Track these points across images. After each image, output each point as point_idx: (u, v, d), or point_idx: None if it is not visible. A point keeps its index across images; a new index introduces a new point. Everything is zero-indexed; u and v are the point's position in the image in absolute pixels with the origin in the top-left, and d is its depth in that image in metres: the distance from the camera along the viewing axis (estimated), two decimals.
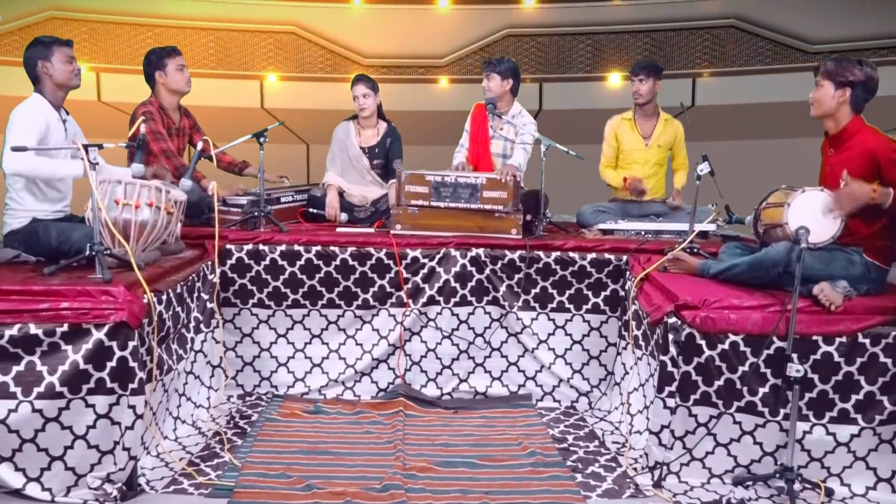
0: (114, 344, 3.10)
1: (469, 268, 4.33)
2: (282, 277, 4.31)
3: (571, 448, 3.74)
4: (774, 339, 3.28)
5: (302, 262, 4.31)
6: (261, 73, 7.44)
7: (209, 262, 4.18)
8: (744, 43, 7.27)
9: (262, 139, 4.48)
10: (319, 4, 7.42)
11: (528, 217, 4.55)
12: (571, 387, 4.38)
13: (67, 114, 3.84)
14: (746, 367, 3.31)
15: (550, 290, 4.36)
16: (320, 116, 6.73)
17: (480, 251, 4.33)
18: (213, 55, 7.33)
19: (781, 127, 6.70)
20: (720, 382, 3.34)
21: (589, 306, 4.36)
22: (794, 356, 3.14)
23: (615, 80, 7.40)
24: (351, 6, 7.49)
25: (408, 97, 7.11)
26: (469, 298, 4.35)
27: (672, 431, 3.39)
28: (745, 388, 3.32)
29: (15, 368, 3.02)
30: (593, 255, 4.33)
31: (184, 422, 3.83)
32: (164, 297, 3.47)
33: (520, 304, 4.36)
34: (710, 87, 7.38)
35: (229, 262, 4.29)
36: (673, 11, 7.37)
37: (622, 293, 4.28)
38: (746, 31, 7.30)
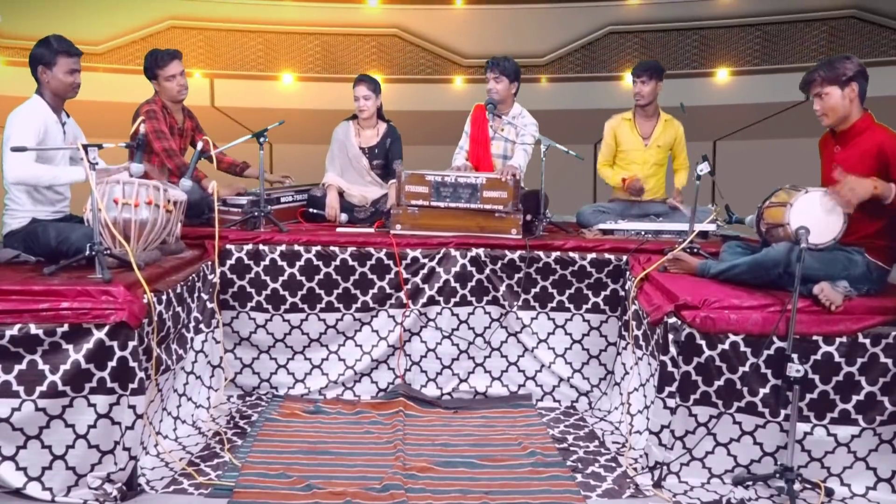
0: (114, 344, 3.10)
1: (469, 268, 4.33)
2: (281, 279, 4.31)
3: (571, 448, 3.74)
4: (774, 339, 3.28)
5: (301, 262, 4.31)
6: None
7: (209, 262, 4.18)
8: (864, 33, 6.97)
9: (262, 139, 4.48)
10: (421, 6, 7.43)
11: (528, 217, 4.55)
12: (571, 386, 4.38)
13: (68, 116, 3.84)
14: (747, 368, 3.31)
15: (550, 290, 4.36)
16: (422, 118, 6.80)
17: (480, 251, 4.33)
18: (319, 59, 7.40)
19: None
20: (720, 382, 3.34)
21: (589, 306, 4.36)
22: (795, 356, 3.14)
23: (723, 75, 7.21)
24: (452, 7, 7.50)
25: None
26: (469, 298, 4.35)
27: (672, 431, 3.39)
28: (745, 389, 3.32)
29: (17, 367, 3.03)
30: (593, 255, 4.33)
31: (184, 422, 3.83)
32: (164, 297, 3.47)
33: (520, 303, 4.36)
34: None
35: (229, 262, 4.29)
36: (786, 3, 7.14)
37: (622, 293, 4.28)
38: (868, 21, 7.00)
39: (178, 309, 3.69)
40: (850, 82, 3.41)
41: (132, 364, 3.13)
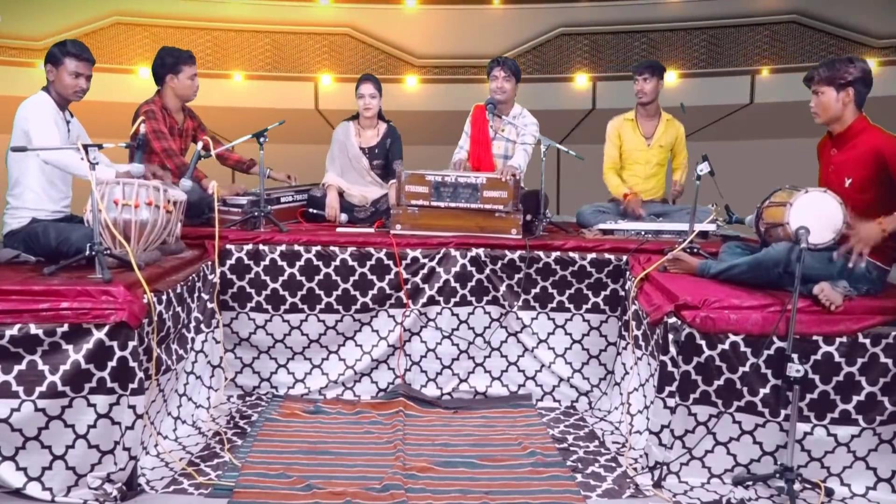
0: (114, 344, 3.10)
1: (469, 268, 4.33)
2: (281, 279, 4.31)
3: (571, 448, 3.74)
4: (774, 339, 3.28)
5: (301, 262, 4.31)
6: (315, 75, 7.46)
7: (209, 262, 4.18)
8: (805, 38, 7.13)
9: (262, 139, 4.48)
10: (373, 6, 7.42)
11: (528, 217, 4.55)
12: (571, 386, 4.38)
13: (72, 115, 3.85)
14: (747, 368, 3.31)
15: (550, 290, 4.36)
16: None
17: (480, 251, 4.33)
18: (268, 58, 7.37)
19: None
20: (720, 382, 3.34)
21: (589, 306, 4.36)
22: (795, 356, 3.14)
23: (671, 78, 7.27)
24: (403, 7, 7.50)
25: (461, 97, 7.06)
26: (469, 298, 4.35)
27: (672, 431, 3.39)
28: (745, 388, 3.32)
29: (17, 368, 3.03)
30: (593, 255, 4.33)
31: (184, 422, 3.84)
32: (164, 297, 3.48)
33: (520, 303, 4.36)
34: (769, 84, 7.28)
35: (229, 262, 4.29)
36: (731, 7, 7.25)
37: (622, 293, 4.28)
38: (808, 27, 7.14)
39: (179, 309, 3.69)
40: (847, 86, 3.43)
41: (132, 364, 3.12)
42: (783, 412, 3.30)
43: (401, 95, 7.22)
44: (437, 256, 4.33)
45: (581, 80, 7.37)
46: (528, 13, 7.42)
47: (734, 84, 7.18)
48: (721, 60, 7.28)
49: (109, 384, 3.11)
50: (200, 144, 4.20)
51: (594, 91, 7.45)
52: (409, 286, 4.33)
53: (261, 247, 4.31)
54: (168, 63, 4.60)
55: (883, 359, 3.29)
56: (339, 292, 4.33)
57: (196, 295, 3.99)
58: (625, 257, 4.28)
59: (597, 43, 7.43)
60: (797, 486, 3.18)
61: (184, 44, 6.95)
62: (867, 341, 3.29)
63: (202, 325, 4.06)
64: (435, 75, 7.42)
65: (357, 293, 4.34)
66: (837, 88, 3.44)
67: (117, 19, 7.03)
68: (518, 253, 4.32)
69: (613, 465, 3.57)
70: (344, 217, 4.78)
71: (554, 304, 4.37)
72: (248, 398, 4.33)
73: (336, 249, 4.32)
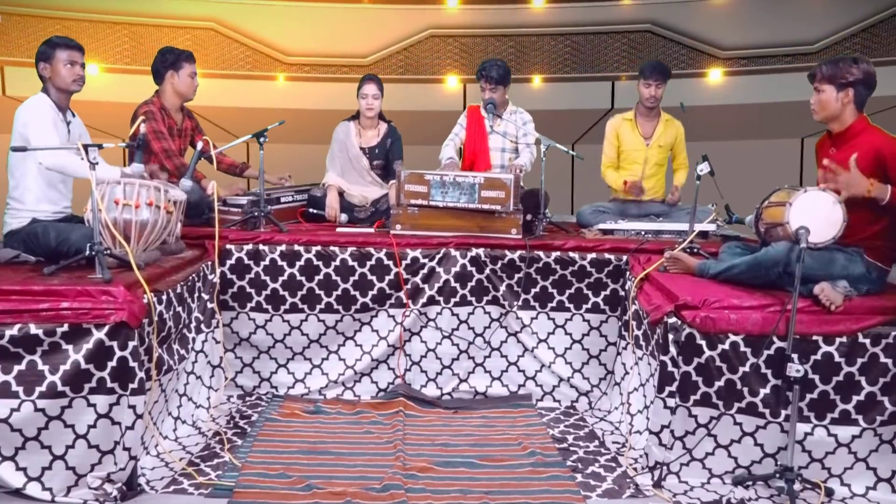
0: (114, 344, 3.10)
1: (469, 268, 4.33)
2: (281, 279, 4.31)
3: (571, 448, 3.74)
4: (774, 339, 3.28)
5: (301, 262, 4.31)
6: None
7: (209, 262, 4.18)
8: (660, 47, 7.32)
9: (261, 139, 4.48)
10: (239, 0, 7.27)
11: (528, 217, 4.55)
12: (571, 386, 4.38)
13: (73, 115, 3.85)
14: (747, 368, 3.31)
15: (550, 290, 4.36)
16: (242, 114, 6.69)
17: (480, 251, 4.33)
18: (127, 51, 7.16)
19: (713, 130, 6.73)
20: (720, 383, 3.33)
21: (589, 306, 4.36)
22: (795, 356, 3.14)
23: (538, 81, 7.44)
24: (272, 2, 7.34)
25: (333, 96, 7.04)
26: (469, 298, 4.35)
27: (672, 432, 3.39)
28: (745, 389, 3.32)
29: (16, 368, 3.02)
30: (593, 255, 4.33)
31: (184, 422, 3.83)
32: (165, 297, 3.47)
33: (520, 303, 4.36)
34: (629, 91, 7.42)
35: (229, 262, 4.29)
36: (592, 15, 7.40)
37: (622, 293, 4.28)
38: (662, 36, 7.36)
39: (179, 309, 3.69)
40: (847, 87, 3.43)
41: (132, 364, 3.12)
42: (783, 412, 3.30)
43: (271, 92, 7.11)
44: (437, 256, 4.33)
45: (452, 82, 7.42)
46: (399, 14, 7.40)
47: (596, 90, 7.32)
48: (584, 66, 7.39)
49: (109, 384, 3.11)
50: (200, 145, 4.20)
51: (465, 93, 7.47)
52: (409, 286, 4.33)
53: (261, 247, 4.31)
54: (170, 60, 4.61)
55: (883, 359, 3.29)
56: (339, 292, 4.33)
57: (196, 295, 3.99)
58: (625, 257, 4.28)
59: (466, 45, 7.46)
60: (797, 486, 3.18)
61: (31, 34, 6.72)
62: (867, 341, 3.29)
63: (202, 325, 4.06)
64: (305, 73, 7.33)
65: (357, 293, 4.34)
66: (838, 88, 3.44)
67: None
68: (518, 253, 4.32)
69: (613, 465, 3.57)
70: (344, 217, 4.78)
71: (554, 304, 4.37)
72: (248, 398, 4.32)
73: (336, 249, 4.32)
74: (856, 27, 6.93)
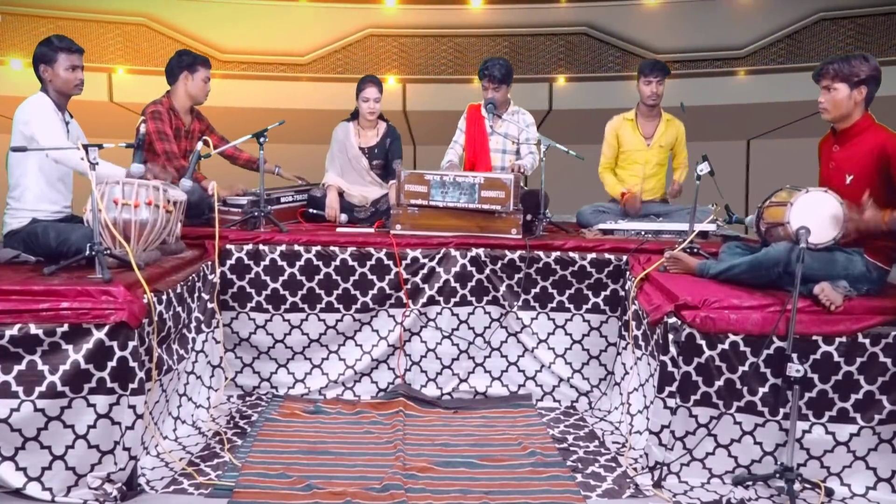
0: (114, 344, 3.10)
1: (469, 268, 4.33)
2: (281, 279, 4.31)
3: (571, 448, 3.74)
4: (774, 339, 3.28)
5: (301, 262, 4.31)
6: (109, 66, 7.14)
7: (209, 262, 4.18)
8: (595, 49, 7.39)
9: (262, 139, 4.48)
10: None
11: (528, 217, 4.55)
12: (571, 386, 4.38)
13: (71, 116, 3.85)
14: (746, 367, 3.31)
15: (550, 290, 4.36)
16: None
17: (480, 251, 4.33)
18: None
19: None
20: (720, 383, 3.34)
21: (589, 306, 4.36)
22: (794, 356, 3.14)
23: (476, 82, 7.47)
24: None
25: (271, 94, 7.02)
26: (469, 298, 4.35)
27: (672, 432, 3.39)
28: (745, 388, 3.32)
29: (16, 368, 3.02)
30: (593, 255, 4.33)
31: (184, 422, 3.83)
32: (165, 297, 3.48)
33: (520, 303, 4.36)
34: (566, 92, 7.46)
35: (229, 262, 4.29)
36: (529, 17, 7.44)
37: (622, 293, 4.28)
38: (598, 39, 7.44)
39: (179, 309, 3.69)
40: (860, 84, 3.40)
41: (132, 364, 3.12)
42: (782, 411, 3.30)
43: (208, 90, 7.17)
44: (437, 256, 4.33)
45: (390, 82, 7.45)
46: (337, 12, 7.38)
47: (534, 91, 7.37)
48: (522, 67, 7.41)
49: (109, 384, 3.11)
50: (200, 145, 4.20)
51: (404, 93, 7.50)
52: (409, 286, 4.33)
53: (261, 247, 4.31)
54: (186, 62, 4.61)
55: (882, 358, 3.29)
56: (339, 292, 4.33)
57: (196, 295, 3.99)
58: (625, 257, 4.28)
59: (405, 45, 7.47)
60: (797, 486, 3.18)
61: None
62: (867, 341, 3.29)
63: (202, 325, 4.06)
64: (242, 71, 7.28)
65: (357, 293, 4.34)
66: (851, 86, 3.40)
67: None
68: (518, 253, 4.32)
69: (613, 465, 3.57)
70: (344, 217, 4.78)
71: (554, 304, 4.37)
72: (248, 398, 4.32)
73: (336, 249, 4.32)
74: (780, 33, 7.02)
